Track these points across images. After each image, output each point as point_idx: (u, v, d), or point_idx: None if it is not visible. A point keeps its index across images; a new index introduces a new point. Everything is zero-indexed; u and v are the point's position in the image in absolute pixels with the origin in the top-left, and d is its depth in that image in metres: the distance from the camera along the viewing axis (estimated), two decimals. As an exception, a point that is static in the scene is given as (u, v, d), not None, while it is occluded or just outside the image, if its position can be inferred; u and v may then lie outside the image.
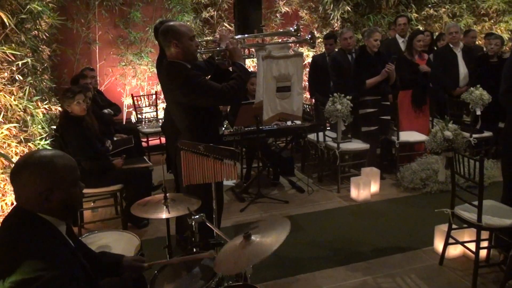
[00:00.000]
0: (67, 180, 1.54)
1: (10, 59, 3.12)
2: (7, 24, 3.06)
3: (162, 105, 6.73)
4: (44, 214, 1.52)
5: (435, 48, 6.20)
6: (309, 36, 3.26)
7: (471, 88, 5.11)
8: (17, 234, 1.46)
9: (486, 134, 5.35)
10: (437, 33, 6.96)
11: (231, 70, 2.93)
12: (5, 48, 2.94)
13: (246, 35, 3.33)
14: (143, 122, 6.44)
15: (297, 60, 3.50)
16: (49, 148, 3.29)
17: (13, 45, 3.27)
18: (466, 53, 5.65)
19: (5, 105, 2.91)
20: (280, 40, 3.52)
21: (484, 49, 6.26)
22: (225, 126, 4.46)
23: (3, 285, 1.35)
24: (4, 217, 1.60)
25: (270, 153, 5.14)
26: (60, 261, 1.43)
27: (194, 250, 2.38)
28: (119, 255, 1.98)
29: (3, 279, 1.35)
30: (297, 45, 4.22)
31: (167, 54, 2.81)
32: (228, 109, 4.79)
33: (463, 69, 5.61)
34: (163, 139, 6.18)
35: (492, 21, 7.97)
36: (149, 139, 6.14)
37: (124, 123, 6.68)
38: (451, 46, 5.61)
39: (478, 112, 5.07)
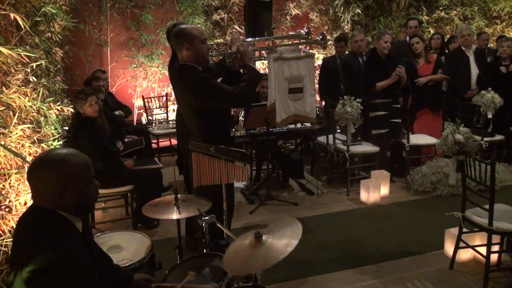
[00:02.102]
0: (80, 177, 1.56)
1: (24, 61, 3.15)
2: (22, 26, 3.10)
3: (172, 107, 6.78)
4: (60, 210, 1.55)
5: (447, 51, 6.16)
6: (320, 37, 3.27)
7: (482, 91, 5.07)
8: (34, 229, 1.49)
9: (498, 137, 5.30)
10: (448, 36, 6.92)
11: (242, 72, 2.95)
12: (20, 50, 2.98)
13: (257, 38, 3.34)
14: (154, 124, 6.48)
15: (308, 61, 3.48)
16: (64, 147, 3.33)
17: (27, 47, 3.32)
18: (478, 56, 5.61)
19: (20, 106, 2.95)
20: (290, 42, 3.51)
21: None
22: (235, 128, 4.48)
23: (21, 274, 1.39)
24: (20, 216, 1.63)
25: (279, 155, 5.15)
26: (74, 254, 1.46)
27: (204, 251, 2.40)
28: (130, 271, 1.97)
29: (21, 270, 1.39)
30: (308, 46, 4.21)
31: (179, 57, 2.83)
32: (241, 113, 4.79)
33: (475, 72, 5.56)
34: (173, 141, 6.22)
35: (504, 23, 7.91)
36: (160, 140, 6.18)
37: (134, 124, 6.74)
38: (463, 48, 5.58)
39: (490, 115, 5.04)
